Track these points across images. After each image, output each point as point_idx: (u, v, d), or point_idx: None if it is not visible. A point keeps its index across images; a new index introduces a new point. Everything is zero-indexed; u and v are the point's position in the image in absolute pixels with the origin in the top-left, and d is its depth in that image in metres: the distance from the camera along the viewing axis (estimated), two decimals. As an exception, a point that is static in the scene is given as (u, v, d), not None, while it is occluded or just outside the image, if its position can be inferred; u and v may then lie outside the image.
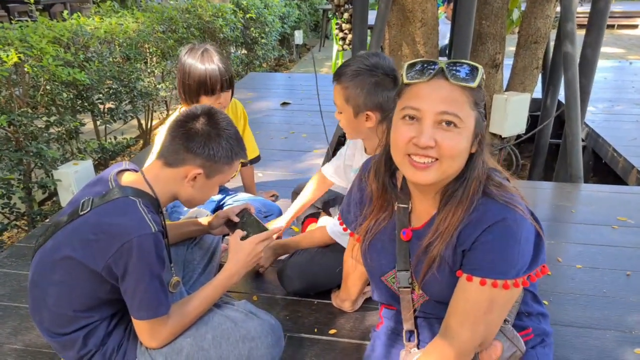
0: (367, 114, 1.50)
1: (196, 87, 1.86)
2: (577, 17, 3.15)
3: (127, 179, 1.33)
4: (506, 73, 3.57)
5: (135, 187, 1.29)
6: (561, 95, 3.85)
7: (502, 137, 3.27)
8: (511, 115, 3.15)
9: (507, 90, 3.53)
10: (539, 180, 3.83)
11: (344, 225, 1.39)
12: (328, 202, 2.19)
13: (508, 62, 3.61)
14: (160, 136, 1.99)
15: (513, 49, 3.62)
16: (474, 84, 0.98)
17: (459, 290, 1.08)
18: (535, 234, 1.07)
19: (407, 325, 1.25)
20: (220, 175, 1.38)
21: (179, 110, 2.01)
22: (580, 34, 2.97)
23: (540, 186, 2.92)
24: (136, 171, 1.39)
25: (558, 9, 3.31)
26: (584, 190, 2.84)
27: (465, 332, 1.06)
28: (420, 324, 1.26)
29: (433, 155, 0.99)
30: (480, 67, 1.00)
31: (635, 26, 11.92)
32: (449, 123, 0.98)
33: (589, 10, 3.22)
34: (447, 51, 4.68)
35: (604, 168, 3.85)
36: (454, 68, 0.99)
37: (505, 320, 1.16)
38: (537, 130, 3.64)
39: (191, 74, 1.85)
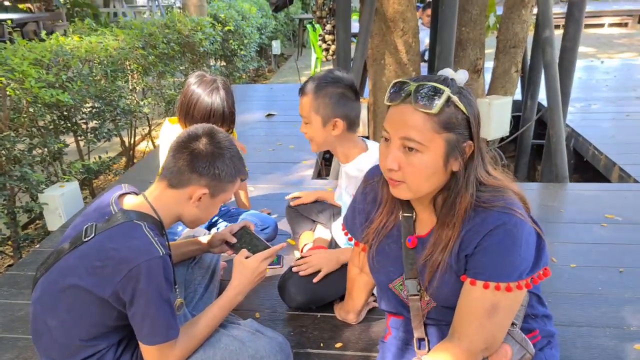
0: (334, 122, 1.60)
1: (199, 119, 1.87)
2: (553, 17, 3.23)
3: (129, 202, 1.32)
4: (486, 77, 3.65)
5: (139, 211, 1.28)
6: (540, 97, 3.96)
7: (487, 140, 3.33)
8: (495, 118, 3.21)
9: (488, 94, 3.60)
10: (523, 181, 3.91)
11: (349, 235, 1.41)
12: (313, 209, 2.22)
13: (488, 66, 3.69)
14: (163, 149, 1.97)
15: (490, 51, 3.70)
16: (434, 110, 0.99)
17: (463, 294, 1.11)
18: (537, 236, 1.09)
19: (418, 333, 1.27)
20: (223, 194, 1.38)
21: (165, 123, 2.01)
22: (556, 33, 3.06)
23: (527, 187, 2.99)
24: (136, 194, 1.38)
25: (535, 10, 3.40)
26: (570, 189, 2.91)
27: (470, 335, 1.08)
28: (430, 331, 1.27)
29: (397, 178, 1.06)
30: (445, 90, 1.01)
31: (602, 25, 12.30)
32: (410, 148, 1.03)
33: (562, 11, 3.31)
34: (424, 56, 4.74)
35: (584, 166, 3.95)
36: (421, 91, 1.02)
37: (513, 324, 1.18)
38: (519, 132, 3.71)
39: (197, 106, 1.86)
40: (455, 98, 1.02)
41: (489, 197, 1.08)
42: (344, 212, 1.86)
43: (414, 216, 1.21)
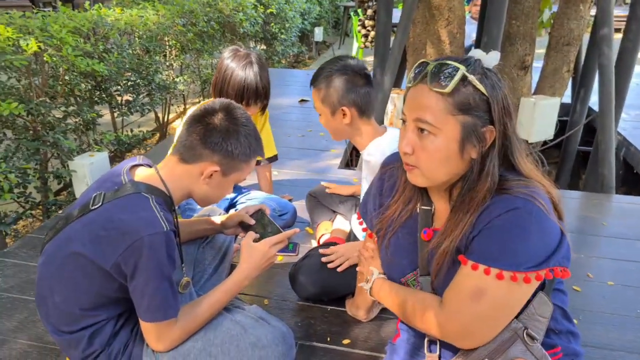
0: (342, 110, 1.56)
1: (232, 95, 1.85)
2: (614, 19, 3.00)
3: (141, 174, 1.28)
4: (535, 76, 3.44)
5: (149, 183, 1.24)
6: (592, 101, 3.72)
7: (529, 142, 3.15)
8: (539, 120, 3.03)
9: (535, 93, 3.40)
10: (565, 189, 3.69)
11: (364, 225, 1.34)
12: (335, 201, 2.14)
13: (537, 65, 3.48)
14: (179, 130, 1.95)
15: (542, 51, 3.49)
16: (447, 90, 0.93)
17: (458, 272, 1.03)
18: (558, 233, 0.98)
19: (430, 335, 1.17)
20: (236, 173, 1.32)
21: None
22: (615, 37, 2.84)
23: (569, 195, 2.80)
24: (150, 166, 1.34)
25: (593, 11, 3.17)
26: (615, 201, 2.71)
27: (450, 311, 1.00)
28: None
29: (411, 162, 1.01)
30: (460, 68, 0.94)
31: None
32: (422, 130, 0.98)
33: (623, 13, 3.07)
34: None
35: (634, 178, 3.69)
36: (436, 71, 0.96)
37: (533, 339, 1.07)
38: (565, 136, 3.49)
39: (230, 81, 1.84)
40: (472, 77, 0.94)
41: (512, 184, 0.98)
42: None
43: (433, 209, 1.12)
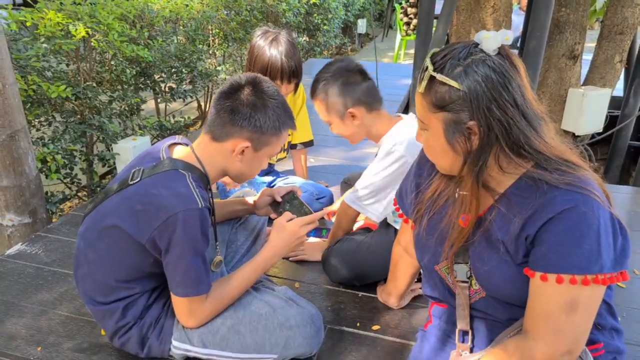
0: (351, 113, 1.55)
1: (258, 73, 1.85)
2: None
3: (178, 152, 1.31)
4: (585, 68, 3.28)
5: (186, 161, 1.26)
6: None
7: (576, 135, 3.01)
8: (588, 112, 2.89)
9: (584, 84, 3.24)
10: (614, 184, 3.51)
11: (400, 211, 1.32)
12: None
13: (587, 58, 3.31)
14: None
15: (592, 44, 3.31)
16: (420, 90, 0.98)
17: (533, 292, 0.97)
18: (620, 226, 0.93)
19: (462, 324, 1.15)
20: (268, 148, 1.31)
21: None
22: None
23: (617, 190, 2.65)
24: (187, 145, 1.36)
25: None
26: (668, 198, 2.55)
27: (548, 335, 0.94)
28: (475, 325, 1.15)
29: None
30: (429, 67, 0.96)
31: None
32: (421, 127, 1.04)
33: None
34: (518, 43, 4.40)
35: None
36: (421, 71, 1.00)
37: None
38: (616, 129, 3.32)
39: (257, 60, 1.86)
40: (440, 76, 0.93)
41: (555, 170, 0.93)
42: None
43: None
